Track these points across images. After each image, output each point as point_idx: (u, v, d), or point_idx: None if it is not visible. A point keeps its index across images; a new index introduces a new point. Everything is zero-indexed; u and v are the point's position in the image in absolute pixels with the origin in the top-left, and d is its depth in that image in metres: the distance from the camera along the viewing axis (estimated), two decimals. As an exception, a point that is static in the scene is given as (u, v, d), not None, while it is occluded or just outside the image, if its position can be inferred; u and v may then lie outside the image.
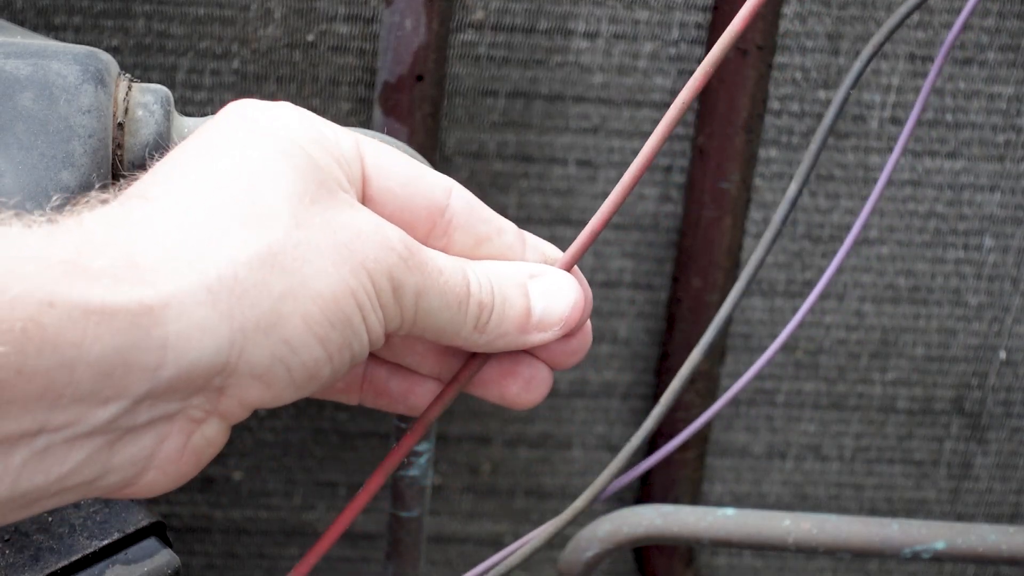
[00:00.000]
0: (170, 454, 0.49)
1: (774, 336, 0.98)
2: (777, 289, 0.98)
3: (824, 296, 0.99)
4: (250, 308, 0.48)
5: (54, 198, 0.50)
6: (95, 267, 0.45)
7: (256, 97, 0.89)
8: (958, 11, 0.91)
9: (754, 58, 0.89)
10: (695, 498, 1.00)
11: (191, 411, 0.49)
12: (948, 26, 0.92)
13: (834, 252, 0.96)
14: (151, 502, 0.62)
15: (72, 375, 0.45)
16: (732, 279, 0.94)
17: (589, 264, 0.96)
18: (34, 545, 0.59)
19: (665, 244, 0.97)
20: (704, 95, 0.91)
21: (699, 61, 0.92)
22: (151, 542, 0.61)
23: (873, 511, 1.05)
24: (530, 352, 0.59)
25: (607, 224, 0.60)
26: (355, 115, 0.91)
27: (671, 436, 0.74)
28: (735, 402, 1.01)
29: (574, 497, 0.66)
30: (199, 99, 0.90)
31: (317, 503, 1.01)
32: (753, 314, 0.99)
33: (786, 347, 1.00)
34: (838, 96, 0.68)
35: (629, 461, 0.65)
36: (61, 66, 0.61)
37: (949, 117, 0.95)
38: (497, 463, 1.02)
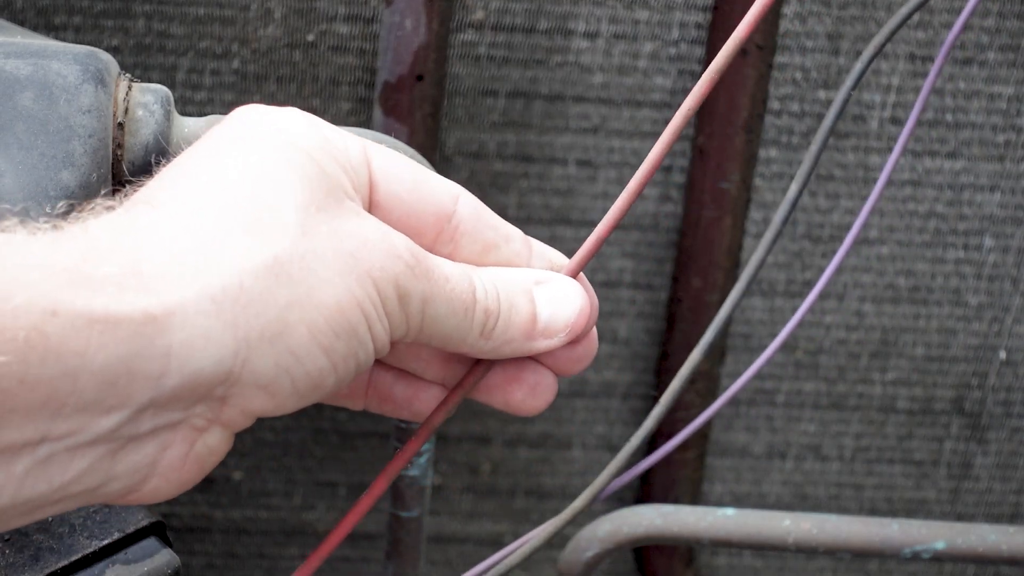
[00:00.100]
0: (173, 462, 0.49)
1: (774, 336, 0.97)
2: (777, 289, 0.98)
3: (824, 296, 0.99)
4: (255, 317, 0.48)
5: (59, 204, 0.50)
6: (99, 275, 0.45)
7: (256, 97, 0.89)
8: (958, 11, 0.91)
9: (754, 58, 0.89)
10: (695, 498, 1.00)
11: (194, 420, 0.49)
12: (948, 26, 0.92)
13: (834, 252, 0.96)
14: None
15: (75, 384, 0.44)
16: (732, 279, 0.94)
17: (589, 264, 0.96)
18: (34, 545, 0.59)
19: (665, 244, 0.97)
20: (704, 95, 0.91)
21: (699, 61, 0.92)
22: (151, 542, 0.61)
23: (873, 511, 1.05)
24: (535, 358, 0.59)
25: (612, 231, 0.60)
26: (355, 115, 0.91)
27: (671, 436, 0.74)
28: (735, 402, 1.01)
29: (574, 497, 0.66)
30: (199, 99, 0.90)
31: (317, 503, 1.01)
32: (753, 314, 0.99)
33: (786, 347, 1.00)
34: (839, 97, 0.68)
35: (629, 461, 0.65)
36: (61, 66, 0.61)
37: (949, 117, 0.95)
38: (497, 463, 1.02)
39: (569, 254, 0.60)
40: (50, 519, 0.59)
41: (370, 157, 0.55)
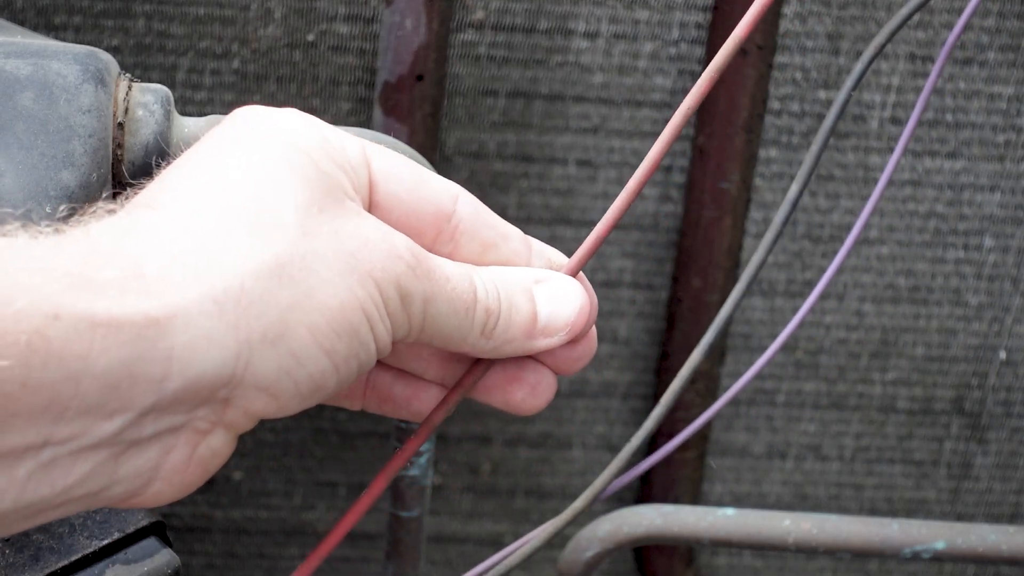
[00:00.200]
0: (176, 465, 0.49)
1: (774, 336, 0.98)
2: (777, 289, 0.98)
3: (824, 296, 0.99)
4: (256, 319, 0.48)
5: (61, 207, 0.50)
6: (101, 278, 0.45)
7: (256, 97, 0.89)
8: (959, 11, 0.91)
9: (754, 58, 0.89)
10: (695, 498, 1.00)
11: (196, 422, 0.49)
12: (948, 26, 0.92)
13: (834, 252, 0.96)
14: (152, 504, 0.62)
15: (77, 388, 0.44)
16: (732, 279, 0.94)
17: (589, 264, 0.96)
18: (34, 545, 0.59)
19: (665, 244, 0.97)
20: (704, 95, 0.91)
21: (699, 61, 0.92)
22: (151, 542, 0.61)
23: (873, 511, 1.05)
24: (535, 358, 0.59)
25: (612, 230, 0.60)
26: (355, 115, 0.91)
27: (671, 436, 0.74)
28: (735, 402, 1.01)
29: (574, 497, 0.66)
30: (199, 99, 0.90)
31: (317, 503, 1.01)
32: (753, 314, 0.99)
33: (786, 347, 1.00)
34: (839, 97, 0.68)
35: (629, 461, 0.65)
36: (61, 66, 0.61)
37: (949, 117, 0.95)
38: (497, 463, 1.02)
39: (569, 254, 0.60)
40: (50, 519, 0.59)
41: (369, 157, 0.55)
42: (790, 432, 1.02)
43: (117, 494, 0.48)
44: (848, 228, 0.96)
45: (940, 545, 0.79)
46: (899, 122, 0.94)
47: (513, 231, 0.58)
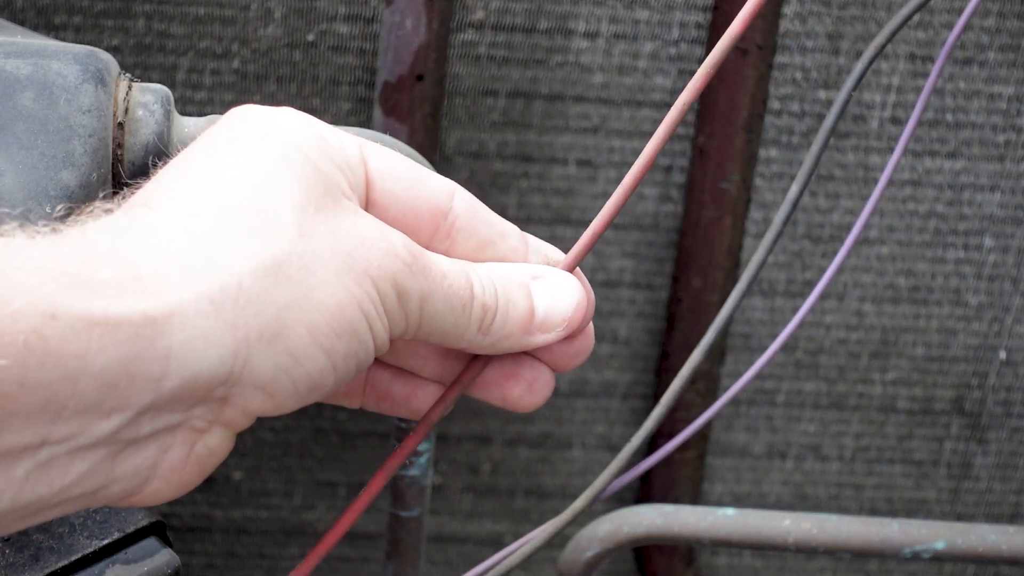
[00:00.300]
0: (173, 464, 0.49)
1: (774, 336, 0.98)
2: (777, 289, 0.98)
3: (824, 296, 0.98)
4: (254, 318, 0.48)
5: (59, 207, 0.50)
6: (98, 278, 0.45)
7: (256, 97, 0.89)
8: (958, 11, 0.91)
9: (754, 58, 0.89)
10: (695, 498, 1.00)
11: (194, 421, 0.49)
12: (948, 26, 0.92)
13: (834, 252, 0.96)
14: (151, 504, 0.62)
15: (75, 387, 0.44)
16: (732, 279, 0.94)
17: (589, 264, 0.96)
18: (34, 545, 0.59)
19: (665, 244, 0.97)
20: (704, 95, 0.91)
21: (699, 61, 0.92)
22: (151, 542, 0.61)
23: (873, 511, 1.05)
24: (532, 354, 0.59)
25: (609, 225, 0.60)
26: (355, 115, 0.91)
27: (671, 436, 0.74)
28: (735, 402, 1.01)
29: (574, 497, 0.66)
30: (199, 99, 0.90)
31: (317, 503, 1.02)
32: (753, 314, 0.99)
33: (786, 347, 1.00)
34: (839, 97, 0.68)
35: (629, 461, 0.65)
36: (61, 66, 0.61)
37: (949, 117, 0.95)
38: (497, 463, 1.02)
39: (567, 251, 0.60)
40: (50, 519, 0.59)
41: (366, 155, 0.55)
42: (790, 432, 1.02)
43: (115, 493, 0.48)
44: (848, 228, 0.96)
45: (940, 545, 0.79)
46: (899, 122, 0.94)
47: (510, 228, 0.58)
